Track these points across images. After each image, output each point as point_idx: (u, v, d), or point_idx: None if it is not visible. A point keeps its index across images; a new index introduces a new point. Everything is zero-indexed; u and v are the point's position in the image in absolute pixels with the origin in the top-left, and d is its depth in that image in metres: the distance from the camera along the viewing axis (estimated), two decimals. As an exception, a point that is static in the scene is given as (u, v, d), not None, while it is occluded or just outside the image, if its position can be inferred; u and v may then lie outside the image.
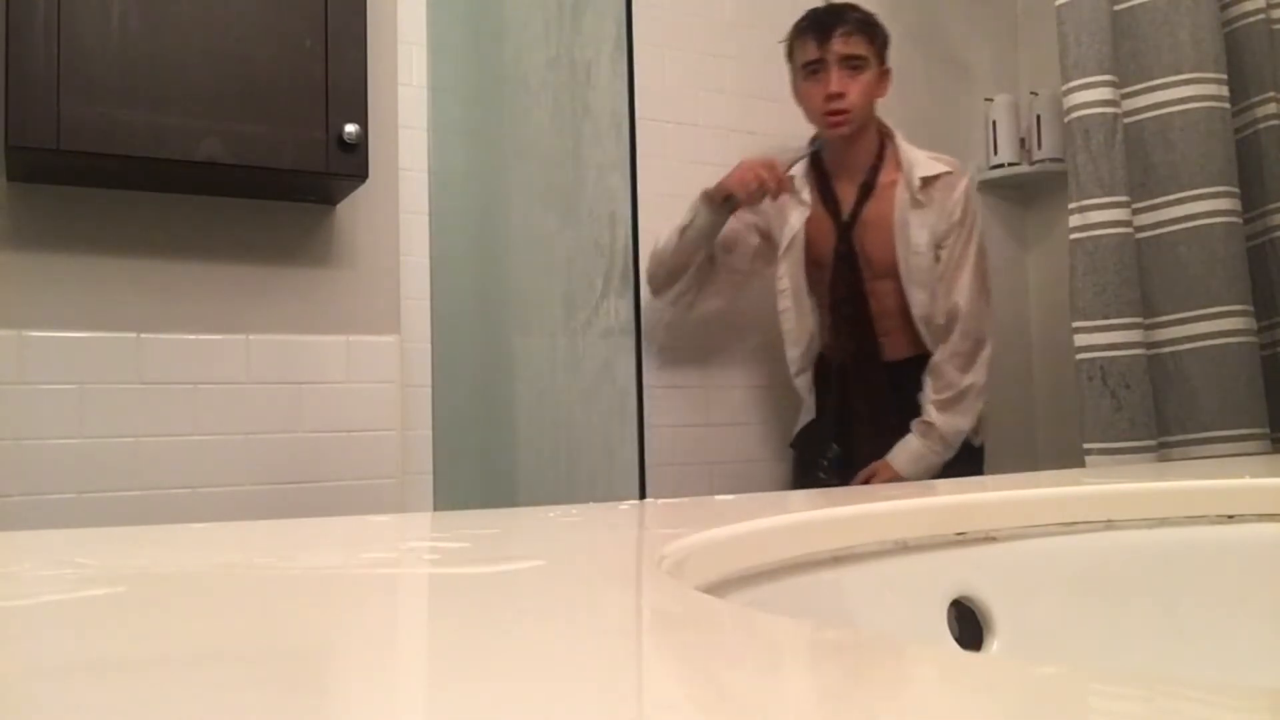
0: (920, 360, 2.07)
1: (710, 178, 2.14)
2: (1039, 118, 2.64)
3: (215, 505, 1.63)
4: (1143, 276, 1.58)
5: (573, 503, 0.63)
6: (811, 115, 2.08)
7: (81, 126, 1.43)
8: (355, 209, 1.79)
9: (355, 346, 1.78)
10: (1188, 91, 1.56)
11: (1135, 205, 1.58)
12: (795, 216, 2.11)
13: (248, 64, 1.54)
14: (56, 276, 1.59)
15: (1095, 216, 1.56)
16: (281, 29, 1.56)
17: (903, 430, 2.04)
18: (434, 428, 1.92)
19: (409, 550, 0.47)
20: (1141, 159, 1.60)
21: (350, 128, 1.57)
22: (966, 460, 2.07)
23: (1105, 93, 1.56)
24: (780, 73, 2.18)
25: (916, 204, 2.03)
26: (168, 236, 1.66)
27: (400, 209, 1.86)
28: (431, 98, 1.98)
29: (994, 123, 2.70)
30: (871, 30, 2.04)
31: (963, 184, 2.06)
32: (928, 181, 2.03)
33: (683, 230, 2.09)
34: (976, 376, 2.02)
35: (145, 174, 1.57)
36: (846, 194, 2.09)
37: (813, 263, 2.12)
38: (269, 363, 1.70)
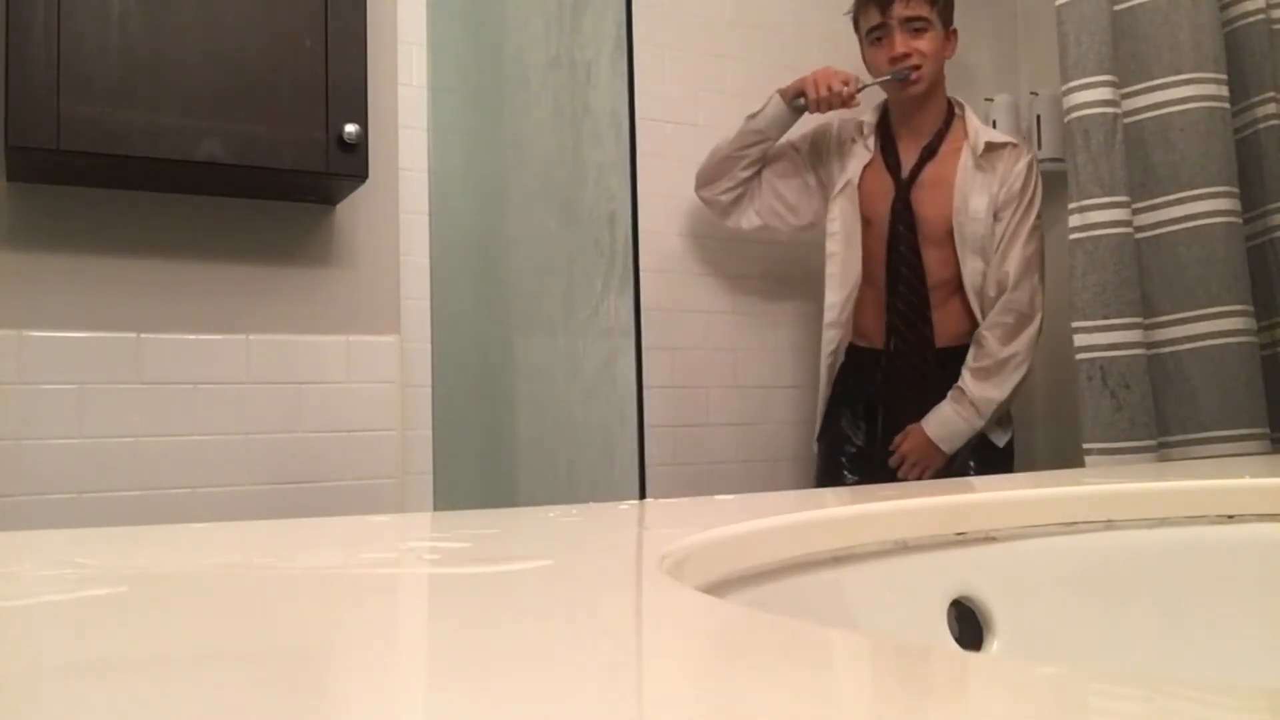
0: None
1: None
2: (1039, 118, 2.63)
3: (215, 505, 1.63)
4: (1143, 276, 1.58)
5: (573, 503, 0.63)
6: (878, 73, 2.10)
7: (81, 126, 1.43)
8: (355, 209, 1.79)
9: (355, 346, 1.78)
10: (1188, 91, 1.56)
11: (1135, 205, 1.58)
12: (854, 162, 2.14)
13: (248, 64, 1.54)
14: (56, 276, 1.59)
15: (1095, 216, 1.56)
16: (281, 29, 1.56)
17: None
18: (434, 428, 1.92)
19: (409, 550, 0.47)
20: (1141, 159, 1.60)
21: (350, 128, 1.57)
22: (992, 462, 2.06)
23: (1105, 93, 1.56)
24: (780, 72, 2.18)
25: (979, 168, 2.04)
26: (168, 236, 1.66)
27: (400, 209, 1.86)
28: (431, 98, 1.98)
29: (994, 123, 2.70)
30: None
31: (1027, 158, 2.06)
32: (992, 148, 2.05)
33: (749, 117, 2.13)
34: (1017, 348, 2.00)
35: (145, 174, 1.57)
36: (909, 154, 2.11)
37: (865, 220, 2.12)
38: (269, 363, 1.71)
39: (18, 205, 1.57)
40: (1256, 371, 1.55)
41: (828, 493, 0.69)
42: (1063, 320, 1.71)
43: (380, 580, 0.39)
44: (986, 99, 2.72)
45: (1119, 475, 0.74)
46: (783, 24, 2.48)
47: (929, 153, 2.09)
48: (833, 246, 2.14)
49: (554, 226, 1.79)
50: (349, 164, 1.59)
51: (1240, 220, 1.57)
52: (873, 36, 2.09)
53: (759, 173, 2.17)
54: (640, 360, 1.53)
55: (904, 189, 2.08)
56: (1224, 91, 1.57)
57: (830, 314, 2.15)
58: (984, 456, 2.06)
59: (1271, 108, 1.60)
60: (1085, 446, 1.55)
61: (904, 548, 0.56)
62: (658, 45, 2.28)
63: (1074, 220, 1.58)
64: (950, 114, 2.12)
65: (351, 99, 1.59)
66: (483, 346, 1.95)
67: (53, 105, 1.42)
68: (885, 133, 2.15)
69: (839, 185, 2.14)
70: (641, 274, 1.57)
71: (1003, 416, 2.06)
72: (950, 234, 2.05)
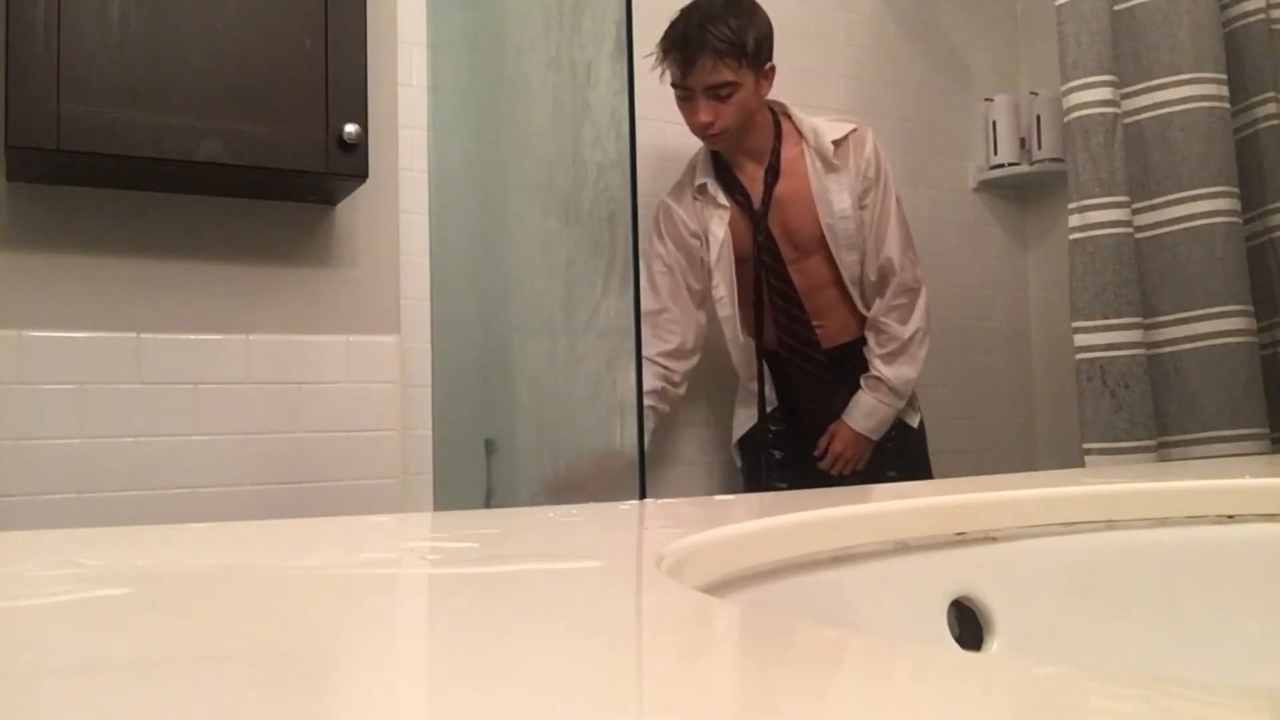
0: (859, 345, 2.07)
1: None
2: (1039, 118, 2.64)
3: (215, 505, 1.63)
4: (1142, 276, 1.58)
5: (573, 503, 0.63)
6: (691, 129, 1.99)
7: (81, 126, 1.43)
8: (355, 209, 1.79)
9: (355, 346, 1.78)
10: (1188, 91, 1.56)
11: (1135, 205, 1.58)
12: (716, 223, 2.04)
13: (248, 64, 1.54)
14: (56, 276, 1.59)
15: (1095, 216, 1.56)
16: (281, 29, 1.56)
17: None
18: (434, 428, 1.92)
19: (409, 550, 0.47)
20: (1141, 159, 1.60)
21: (350, 128, 1.57)
22: (910, 443, 2.08)
23: (1105, 93, 1.56)
24: (780, 73, 2.18)
25: (831, 168, 1.99)
26: (168, 236, 1.66)
27: (400, 209, 1.86)
28: (431, 98, 1.98)
29: (994, 123, 2.70)
30: (739, 50, 1.87)
31: (869, 139, 2.02)
32: (838, 144, 2.00)
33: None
34: (917, 323, 2.02)
35: (145, 174, 1.57)
36: (754, 182, 2.02)
37: (740, 262, 2.05)
38: (269, 363, 1.71)
39: (18, 205, 1.57)
40: (1256, 371, 1.55)
41: (828, 493, 0.69)
42: (1063, 320, 1.71)
43: (380, 580, 0.39)
44: (986, 99, 2.72)
45: (1119, 475, 0.74)
46: (782, 24, 2.47)
47: (772, 174, 2.00)
48: (724, 311, 2.08)
49: (554, 226, 1.79)
50: (349, 164, 1.59)
51: (1240, 220, 1.57)
52: (678, 92, 1.95)
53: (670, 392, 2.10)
54: (640, 360, 1.53)
55: (760, 220, 2.01)
56: (1224, 91, 1.57)
57: (744, 373, 2.14)
58: (903, 439, 2.09)
59: (1271, 108, 1.60)
60: (1085, 446, 1.55)
61: (904, 548, 0.56)
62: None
63: (1074, 220, 1.58)
64: (777, 123, 2.02)
65: (351, 99, 1.59)
66: (483, 346, 1.95)
67: (53, 105, 1.42)
68: (724, 175, 2.04)
69: (714, 254, 2.04)
70: (641, 274, 1.57)
71: (911, 397, 2.09)
72: (819, 239, 2.03)
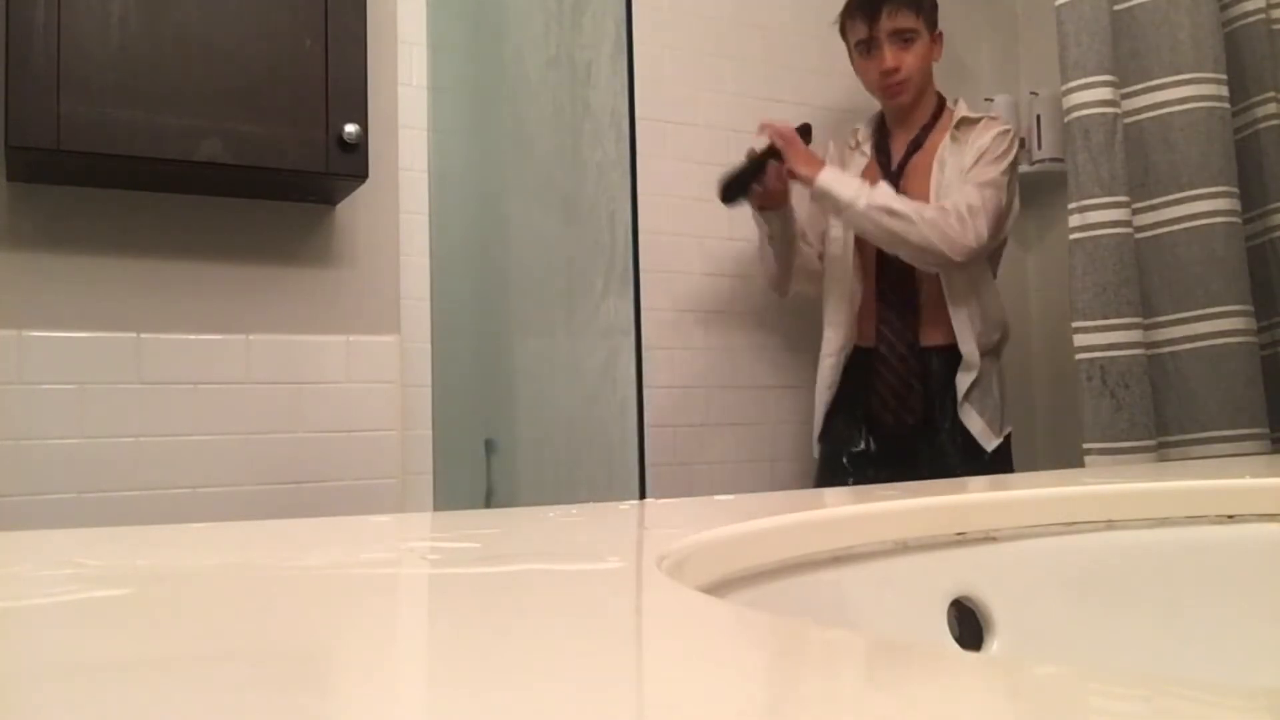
0: (956, 354, 2.04)
1: (710, 177, 2.14)
2: (1039, 118, 2.64)
3: (215, 505, 1.63)
4: (1142, 276, 1.58)
5: (573, 503, 0.63)
6: (870, 88, 2.14)
7: (81, 126, 1.43)
8: (355, 209, 1.79)
9: (355, 346, 1.78)
10: (1188, 91, 1.56)
11: (1135, 205, 1.58)
12: (853, 167, 2.17)
13: (248, 64, 1.54)
14: (56, 276, 1.59)
15: (1095, 216, 1.56)
16: (281, 29, 1.56)
17: (929, 424, 2.02)
18: (434, 428, 1.92)
19: (409, 550, 0.47)
20: (1141, 159, 1.60)
21: (350, 128, 1.57)
22: (989, 463, 2.04)
23: (1105, 93, 1.56)
24: (779, 73, 2.19)
25: (954, 140, 2.06)
26: (168, 236, 1.66)
27: (400, 209, 1.86)
28: (431, 98, 1.98)
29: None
30: (918, 1, 2.08)
31: (999, 127, 2.06)
32: (967, 121, 2.07)
33: (762, 246, 2.19)
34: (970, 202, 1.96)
35: (145, 174, 1.57)
36: (899, 149, 2.14)
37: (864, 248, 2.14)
38: (269, 363, 1.71)
39: (18, 205, 1.57)
40: (1256, 371, 1.55)
41: (828, 493, 0.69)
42: (1063, 320, 1.71)
43: (380, 580, 0.39)
44: (986, 99, 2.72)
45: (1119, 475, 0.74)
46: (783, 24, 2.48)
47: (915, 145, 2.11)
48: (832, 250, 2.16)
49: (554, 226, 1.79)
50: (349, 164, 1.59)
51: (1240, 220, 1.57)
52: (861, 48, 2.11)
53: (795, 243, 2.20)
54: (640, 360, 1.53)
55: (892, 181, 2.09)
56: (1224, 91, 1.57)
57: (828, 314, 2.15)
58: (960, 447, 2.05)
59: (1271, 108, 1.60)
60: (1085, 446, 1.55)
61: (904, 548, 0.56)
62: (658, 45, 2.28)
63: (1074, 220, 1.58)
64: (939, 109, 2.14)
65: (351, 99, 1.59)
66: (483, 346, 1.95)
67: (53, 105, 1.42)
68: (880, 136, 2.19)
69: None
70: (641, 274, 1.57)
71: (994, 417, 2.05)
72: None
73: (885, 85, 2.08)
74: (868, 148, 2.18)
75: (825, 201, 2.00)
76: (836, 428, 2.15)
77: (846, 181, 1.99)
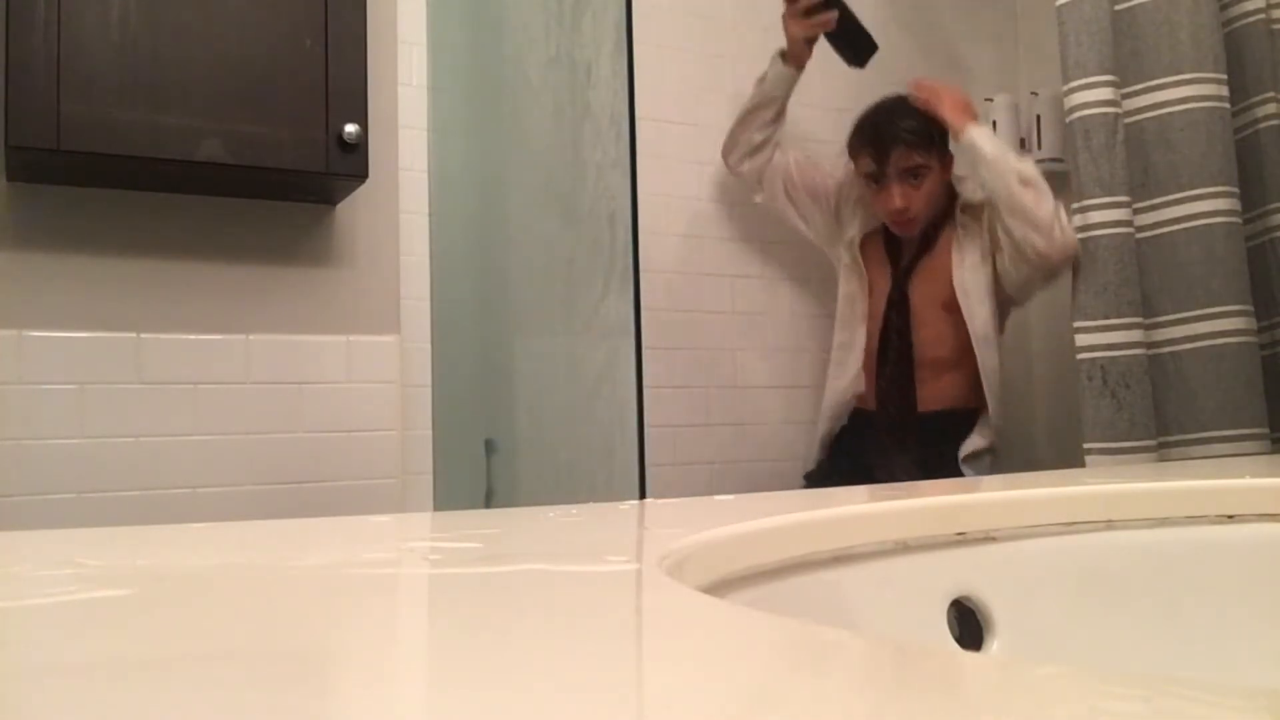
0: (959, 414, 2.03)
1: (710, 177, 2.14)
2: (1039, 118, 2.63)
3: (215, 505, 1.63)
4: (1143, 276, 1.58)
5: (573, 503, 0.63)
6: (878, 215, 2.09)
7: (81, 126, 1.43)
8: (355, 209, 1.79)
9: (355, 346, 1.78)
10: (1188, 91, 1.56)
11: (1135, 205, 1.58)
12: (859, 221, 2.14)
13: (248, 64, 1.54)
14: (56, 276, 1.59)
15: (1095, 216, 1.56)
16: (281, 29, 1.56)
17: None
18: (434, 428, 1.92)
19: (409, 550, 0.47)
20: (1142, 159, 1.60)
21: (350, 128, 1.57)
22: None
23: (1105, 93, 1.56)
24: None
25: (964, 224, 2.02)
26: (168, 236, 1.66)
27: (400, 209, 1.86)
28: (431, 98, 1.98)
29: (994, 123, 2.70)
30: (928, 135, 2.00)
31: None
32: (970, 207, 2.02)
33: (758, 81, 2.14)
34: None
35: (145, 174, 1.57)
36: (909, 246, 2.09)
37: (869, 283, 2.13)
38: (269, 363, 1.71)
39: (18, 205, 1.57)
40: (1256, 371, 1.55)
41: (828, 493, 0.69)
42: (1063, 320, 1.71)
43: (380, 580, 0.39)
44: (986, 99, 2.72)
45: (1119, 475, 0.74)
46: (782, 24, 2.47)
47: (925, 245, 2.06)
48: (841, 310, 2.17)
49: (554, 226, 1.79)
50: (349, 164, 1.59)
51: (1240, 220, 1.57)
52: (869, 179, 2.05)
53: (775, 143, 2.16)
54: (640, 360, 1.53)
55: (900, 279, 2.08)
56: (1224, 91, 1.57)
57: (835, 368, 2.16)
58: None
59: (1271, 108, 1.60)
60: (1085, 446, 1.55)
61: (904, 548, 0.56)
62: (658, 45, 2.28)
63: (1074, 220, 1.58)
64: (950, 200, 2.07)
65: (351, 99, 1.59)
66: (483, 346, 1.95)
67: (53, 105, 1.42)
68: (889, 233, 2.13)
69: (846, 235, 2.16)
70: (641, 274, 1.57)
71: (988, 430, 2.04)
72: (945, 307, 2.03)
73: (895, 221, 2.04)
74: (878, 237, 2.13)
75: (968, 154, 1.90)
76: (826, 480, 2.15)
77: (994, 139, 1.92)
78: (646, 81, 1.87)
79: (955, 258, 2.03)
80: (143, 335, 1.63)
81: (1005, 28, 2.83)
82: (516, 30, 1.89)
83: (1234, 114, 1.61)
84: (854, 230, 2.15)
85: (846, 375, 2.14)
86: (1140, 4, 1.59)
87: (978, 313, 2.03)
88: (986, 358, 2.03)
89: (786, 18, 2.07)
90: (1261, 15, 1.62)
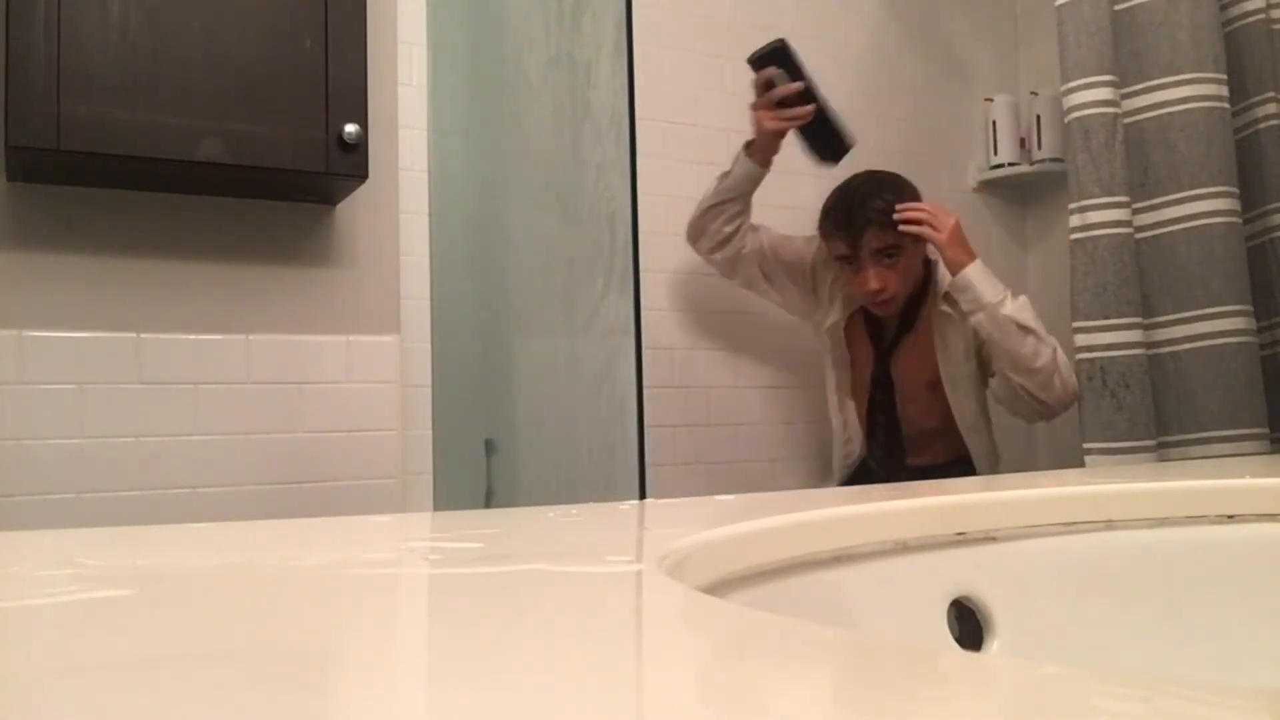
0: (954, 466, 2.02)
1: (710, 177, 2.14)
2: (1039, 118, 2.64)
3: (215, 505, 1.63)
4: (1142, 277, 1.58)
5: (573, 503, 0.63)
6: (857, 297, 2.05)
7: (81, 126, 1.43)
8: (355, 209, 1.79)
9: (355, 346, 1.78)
10: (1188, 91, 1.56)
11: (1135, 205, 1.58)
12: (840, 302, 2.11)
13: (248, 64, 1.54)
14: (56, 276, 1.59)
15: (1095, 217, 1.56)
16: (281, 29, 1.56)
17: None
18: (434, 428, 1.92)
19: (409, 550, 0.47)
20: (1141, 159, 1.60)
21: (350, 128, 1.57)
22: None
23: (1105, 93, 1.56)
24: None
25: (947, 316, 1.98)
26: (168, 236, 1.66)
27: (400, 209, 1.86)
28: (431, 98, 1.98)
29: (994, 123, 2.70)
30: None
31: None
32: (951, 298, 1.96)
33: (721, 177, 2.06)
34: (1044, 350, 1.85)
35: (145, 174, 1.57)
36: (890, 325, 2.07)
37: (851, 361, 2.13)
38: (269, 363, 1.71)
39: (18, 205, 1.57)
40: (1256, 371, 1.55)
41: (828, 493, 0.69)
42: (1063, 320, 1.71)
43: (380, 580, 0.39)
44: (986, 99, 2.72)
45: (1119, 475, 0.74)
46: (783, 25, 2.48)
47: (906, 324, 2.04)
48: (829, 385, 2.18)
49: (554, 226, 1.79)
50: (349, 164, 1.59)
51: (1240, 220, 1.57)
52: (843, 261, 2.01)
53: (746, 229, 2.10)
54: (640, 360, 1.53)
55: (883, 358, 2.07)
56: (1224, 91, 1.57)
57: (836, 439, 2.18)
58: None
59: (1271, 108, 1.60)
60: (1085, 446, 1.55)
61: (904, 548, 0.56)
62: (658, 45, 2.28)
63: (1074, 220, 1.58)
64: (926, 275, 2.04)
65: (351, 99, 1.59)
66: (483, 346, 1.95)
67: (53, 105, 1.42)
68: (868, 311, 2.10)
69: (829, 320, 2.13)
70: (641, 274, 1.57)
71: (986, 448, 2.05)
72: (930, 386, 2.03)
73: (872, 303, 2.00)
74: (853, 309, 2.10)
75: (964, 294, 1.86)
76: None
77: (990, 279, 1.86)
78: (646, 81, 1.87)
79: (938, 340, 2.01)
80: (143, 335, 1.63)
81: (1005, 28, 2.83)
82: (516, 30, 1.89)
83: (1234, 114, 1.61)
84: (836, 315, 2.11)
85: (846, 445, 2.16)
86: (1140, 4, 1.59)
87: (965, 406, 2.02)
88: (975, 443, 2.04)
89: (756, 109, 1.97)
90: (1261, 15, 1.62)
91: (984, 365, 2.00)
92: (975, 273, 1.87)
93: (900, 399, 2.07)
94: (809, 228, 2.16)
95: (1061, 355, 1.83)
